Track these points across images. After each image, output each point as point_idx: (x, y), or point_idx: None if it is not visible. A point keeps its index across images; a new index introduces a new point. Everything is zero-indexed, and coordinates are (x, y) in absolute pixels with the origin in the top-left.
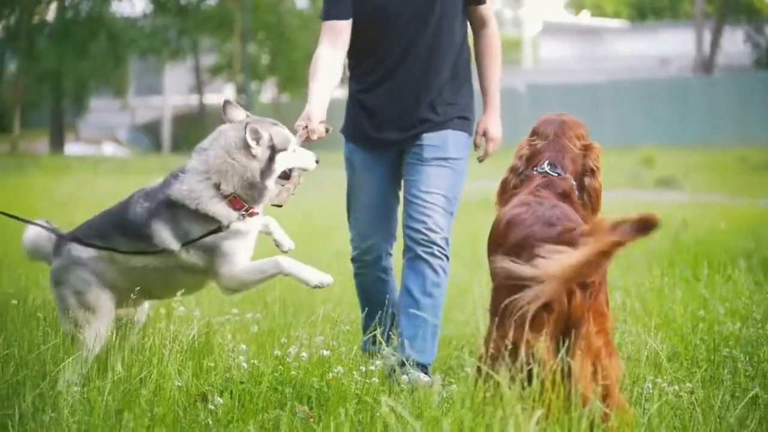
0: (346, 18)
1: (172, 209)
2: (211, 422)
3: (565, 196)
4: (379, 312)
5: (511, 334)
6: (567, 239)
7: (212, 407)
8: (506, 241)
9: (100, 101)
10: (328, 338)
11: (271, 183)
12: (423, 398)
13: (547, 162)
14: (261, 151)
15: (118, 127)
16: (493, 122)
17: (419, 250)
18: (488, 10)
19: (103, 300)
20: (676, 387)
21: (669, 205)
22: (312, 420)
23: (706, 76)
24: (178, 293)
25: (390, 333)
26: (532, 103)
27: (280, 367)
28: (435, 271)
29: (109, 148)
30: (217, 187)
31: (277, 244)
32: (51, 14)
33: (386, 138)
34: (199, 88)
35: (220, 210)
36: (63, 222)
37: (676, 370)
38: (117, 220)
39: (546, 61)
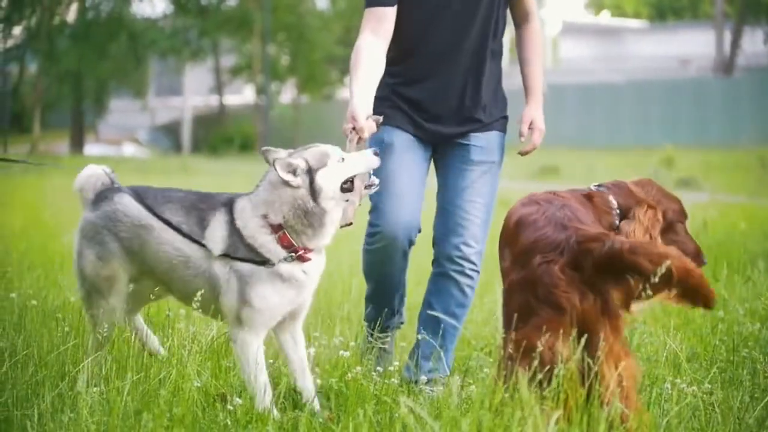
0: (392, 4)
1: (232, 220)
2: (229, 423)
3: (588, 198)
4: (391, 296)
5: (526, 335)
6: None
7: (231, 408)
8: (516, 242)
9: (120, 102)
10: (347, 339)
11: (327, 203)
12: (442, 399)
13: (598, 184)
14: (301, 180)
15: (138, 128)
16: (538, 113)
17: (449, 267)
18: (531, 3)
19: (122, 275)
20: (695, 388)
21: (689, 206)
22: (331, 421)
23: (726, 77)
24: (194, 303)
25: (400, 315)
26: (552, 103)
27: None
28: (462, 291)
29: (129, 149)
30: (265, 217)
31: (300, 383)
32: (72, 15)
33: (435, 130)
34: (219, 88)
35: (266, 243)
36: None
37: (695, 371)
38: (192, 196)
39: (566, 61)
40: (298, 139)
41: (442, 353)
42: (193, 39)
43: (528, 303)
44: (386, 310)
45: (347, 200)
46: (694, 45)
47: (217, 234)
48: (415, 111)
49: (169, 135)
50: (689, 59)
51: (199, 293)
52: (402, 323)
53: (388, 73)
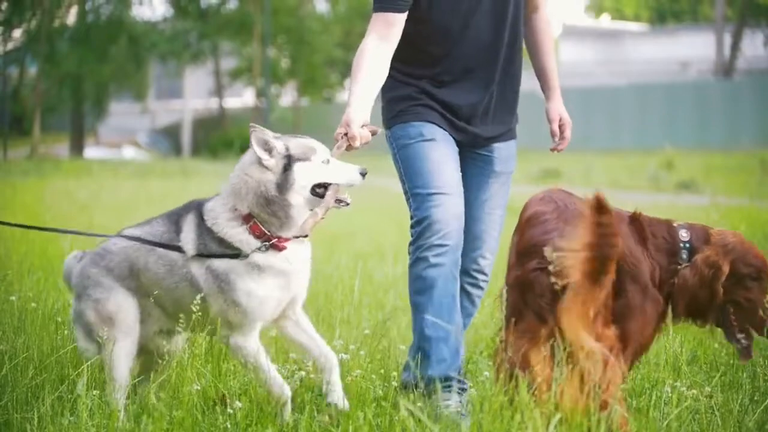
0: (402, 11)
1: (202, 220)
2: (229, 426)
3: (632, 220)
4: (446, 321)
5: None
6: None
7: (231, 411)
8: (522, 238)
9: (121, 105)
10: (346, 342)
11: (293, 197)
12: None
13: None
14: (274, 162)
15: (138, 131)
16: (563, 107)
17: (464, 280)
18: None
19: (128, 309)
20: (696, 391)
21: (689, 209)
22: (331, 424)
23: (727, 80)
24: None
25: (459, 351)
26: None
27: (298, 370)
28: (473, 303)
29: (129, 152)
30: (234, 209)
31: (321, 359)
32: (72, 18)
33: (468, 130)
34: (219, 91)
35: (237, 234)
36: (83, 225)
37: (696, 374)
38: (174, 209)
39: (566, 64)
40: None
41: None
42: (193, 42)
43: (518, 305)
44: (445, 350)
45: (311, 209)
46: (694, 48)
47: (189, 236)
48: (446, 110)
49: (169, 138)
50: (689, 62)
51: (194, 305)
52: (465, 388)
53: (414, 75)
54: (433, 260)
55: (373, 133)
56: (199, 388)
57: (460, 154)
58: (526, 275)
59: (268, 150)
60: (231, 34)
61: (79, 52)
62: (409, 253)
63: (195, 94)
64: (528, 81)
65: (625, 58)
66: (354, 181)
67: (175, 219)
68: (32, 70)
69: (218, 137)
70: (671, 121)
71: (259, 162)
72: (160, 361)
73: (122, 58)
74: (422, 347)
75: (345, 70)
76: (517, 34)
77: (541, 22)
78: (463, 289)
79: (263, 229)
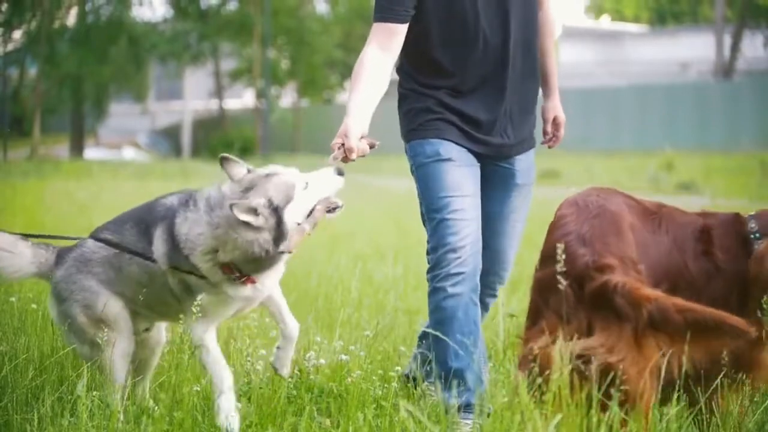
0: (404, 21)
1: (172, 236)
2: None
3: (703, 232)
4: (470, 349)
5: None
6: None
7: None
8: (547, 239)
9: (121, 106)
10: (346, 343)
11: (292, 245)
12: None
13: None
14: (264, 220)
15: (139, 132)
16: (559, 106)
17: (485, 293)
18: None
19: (117, 310)
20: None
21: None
22: (331, 425)
23: (727, 81)
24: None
25: (482, 379)
26: None
27: (298, 372)
28: (487, 310)
29: (129, 153)
30: (215, 250)
31: (281, 326)
32: (72, 19)
33: (489, 142)
34: (219, 92)
35: (209, 270)
36: (83, 226)
37: None
38: (137, 212)
39: (566, 65)
40: (298, 143)
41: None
42: (193, 43)
43: (538, 305)
44: (470, 378)
45: (299, 223)
46: (694, 49)
47: (160, 249)
48: (465, 123)
49: (169, 139)
50: (689, 63)
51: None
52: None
53: (432, 86)
54: (450, 290)
55: (372, 147)
56: (199, 389)
57: (482, 167)
58: (549, 278)
59: (253, 211)
60: (231, 35)
61: (79, 53)
62: (427, 281)
63: (195, 95)
64: None
65: (625, 59)
66: (337, 185)
67: (144, 228)
68: (32, 71)
69: (218, 138)
70: (671, 122)
71: (246, 224)
72: (149, 356)
73: (122, 59)
74: (445, 376)
75: (345, 71)
76: (528, 38)
77: (544, 20)
78: (481, 302)
79: (237, 272)
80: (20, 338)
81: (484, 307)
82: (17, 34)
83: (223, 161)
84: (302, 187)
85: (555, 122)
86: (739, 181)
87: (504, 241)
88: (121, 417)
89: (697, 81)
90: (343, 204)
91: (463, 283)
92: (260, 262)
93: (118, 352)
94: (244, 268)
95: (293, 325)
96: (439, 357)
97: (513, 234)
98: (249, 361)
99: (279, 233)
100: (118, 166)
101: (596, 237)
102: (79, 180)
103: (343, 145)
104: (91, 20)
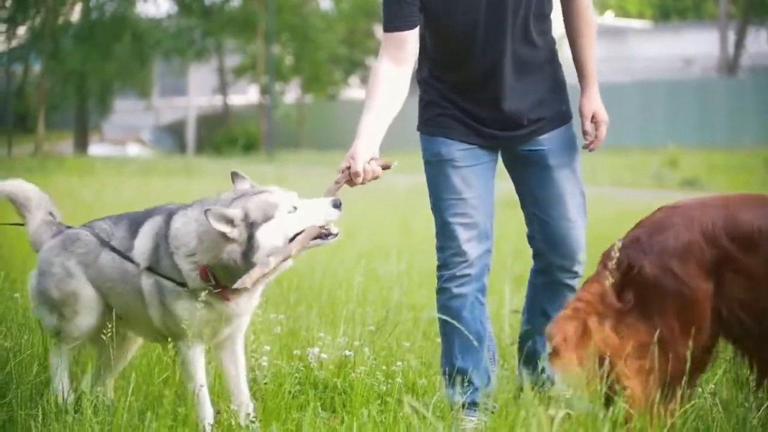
0: (410, 28)
1: (163, 234)
2: (233, 423)
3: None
4: (476, 348)
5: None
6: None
7: (235, 408)
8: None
9: (125, 102)
10: (350, 338)
11: (261, 260)
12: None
13: None
14: (238, 233)
15: (143, 128)
16: (599, 102)
17: (565, 276)
18: None
19: (88, 293)
20: (700, 388)
21: None
22: (335, 421)
23: (730, 77)
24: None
25: (489, 377)
26: None
27: (302, 367)
28: (573, 290)
29: (133, 149)
30: (194, 253)
31: (234, 391)
32: (76, 15)
33: (495, 135)
34: (223, 89)
35: (188, 272)
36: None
37: None
38: (139, 213)
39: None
40: (303, 139)
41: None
42: (197, 39)
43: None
44: (476, 378)
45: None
46: (697, 45)
47: (144, 245)
48: (470, 118)
49: (173, 135)
50: (693, 59)
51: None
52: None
53: (440, 78)
54: (455, 291)
55: (386, 167)
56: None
57: (509, 153)
58: (600, 269)
59: (229, 222)
60: (235, 31)
61: (83, 50)
62: (436, 278)
63: (199, 92)
64: None
65: (628, 56)
66: (330, 217)
67: (134, 228)
68: (36, 68)
69: (222, 134)
70: (675, 118)
71: (221, 234)
72: (123, 354)
73: (126, 55)
74: (451, 375)
75: (349, 67)
76: (527, 25)
77: (579, 8)
78: (565, 284)
79: (213, 278)
80: (24, 334)
81: (570, 289)
82: (21, 31)
83: (233, 176)
84: (287, 210)
85: (594, 120)
86: (743, 177)
87: (562, 224)
88: (67, 395)
89: (700, 77)
90: (339, 232)
91: (469, 284)
92: (230, 271)
93: (80, 325)
94: (218, 273)
95: (246, 400)
96: (445, 355)
97: (570, 215)
98: (253, 357)
99: (249, 247)
100: (122, 162)
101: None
102: (82, 176)
103: (349, 168)
104: (95, 16)
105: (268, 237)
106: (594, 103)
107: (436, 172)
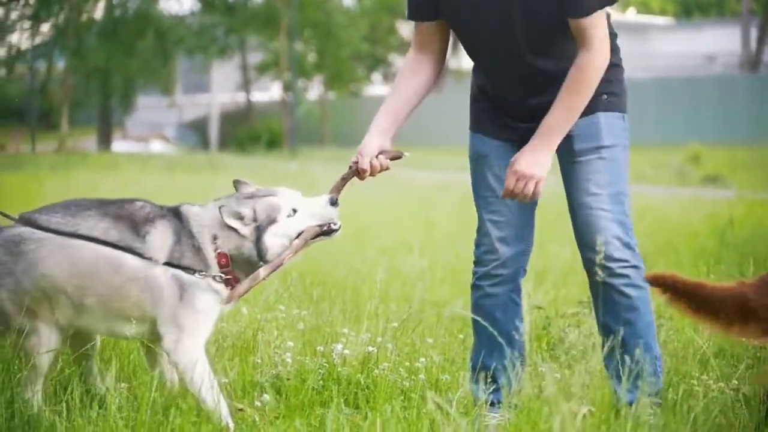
0: (428, 19)
1: (180, 224)
2: (257, 418)
3: None
4: (504, 348)
5: None
6: None
7: (258, 404)
8: None
9: (148, 99)
10: (373, 335)
11: (272, 257)
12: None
13: None
14: (249, 231)
15: (166, 125)
16: (524, 155)
17: (598, 273)
18: (583, 35)
19: (44, 297)
20: (722, 384)
21: (715, 203)
22: (359, 418)
23: (753, 74)
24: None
25: (518, 374)
26: None
27: (326, 363)
28: (621, 293)
29: (156, 146)
30: (216, 238)
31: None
32: (99, 12)
33: (513, 125)
34: (246, 85)
35: (208, 252)
36: None
37: (722, 367)
38: (109, 204)
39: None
40: (325, 136)
41: (625, 369)
42: (220, 36)
43: None
44: (503, 377)
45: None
46: (720, 42)
47: (164, 242)
48: (501, 112)
49: (196, 132)
50: (715, 56)
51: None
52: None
53: (475, 72)
54: (488, 290)
55: (397, 158)
56: (227, 380)
57: None
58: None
59: (240, 218)
60: (258, 28)
61: (106, 47)
62: (472, 273)
63: (222, 89)
64: None
65: (650, 52)
66: (330, 218)
67: (130, 221)
68: (60, 65)
69: (245, 131)
70: (697, 115)
71: (233, 230)
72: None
73: (149, 52)
74: (480, 371)
75: (372, 63)
76: (542, 40)
77: (574, 65)
78: (602, 283)
79: (229, 263)
80: None
81: (617, 291)
82: (45, 28)
83: (236, 184)
84: (287, 213)
85: (510, 167)
86: (765, 173)
87: (586, 213)
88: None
89: (722, 74)
90: (340, 225)
91: (501, 285)
92: (248, 266)
93: (44, 343)
94: (236, 265)
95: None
96: (474, 350)
97: (595, 204)
98: (277, 353)
99: (259, 249)
100: (146, 158)
101: None
102: (105, 172)
103: (356, 163)
104: (118, 14)
105: (272, 240)
106: (519, 155)
107: (475, 169)
